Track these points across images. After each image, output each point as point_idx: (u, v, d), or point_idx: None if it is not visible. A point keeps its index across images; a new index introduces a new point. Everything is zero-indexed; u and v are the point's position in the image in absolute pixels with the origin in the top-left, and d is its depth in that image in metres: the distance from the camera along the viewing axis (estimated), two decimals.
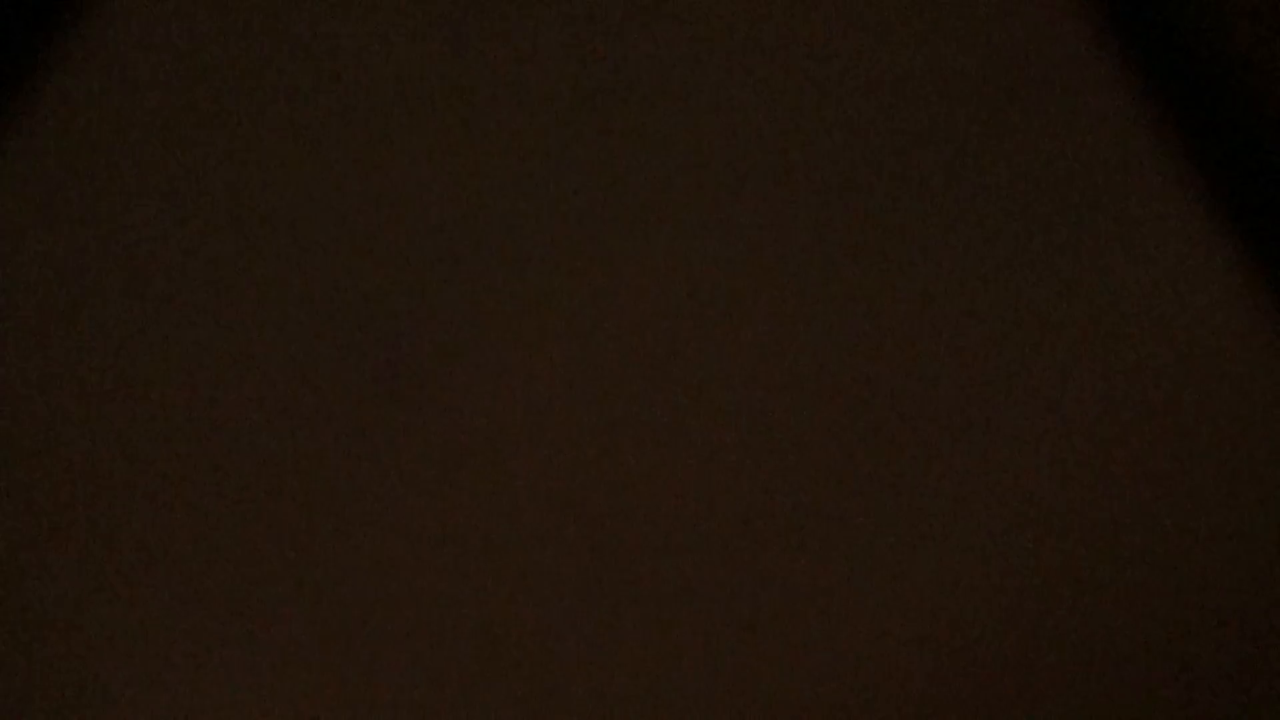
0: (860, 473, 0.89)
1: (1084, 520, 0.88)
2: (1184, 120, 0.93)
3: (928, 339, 0.90)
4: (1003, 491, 0.89)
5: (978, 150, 0.92)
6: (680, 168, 0.92)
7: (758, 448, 0.89)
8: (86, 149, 0.92)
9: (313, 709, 0.86)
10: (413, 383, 0.89)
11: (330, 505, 0.88)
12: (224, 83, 0.92)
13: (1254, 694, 0.87)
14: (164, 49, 0.93)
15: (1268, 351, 0.90)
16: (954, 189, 0.92)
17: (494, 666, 0.87)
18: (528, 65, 0.93)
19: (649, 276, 0.91)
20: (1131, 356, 0.90)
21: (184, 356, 0.90)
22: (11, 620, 0.86)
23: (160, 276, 0.90)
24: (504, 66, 0.93)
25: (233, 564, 0.87)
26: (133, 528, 0.88)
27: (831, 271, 0.91)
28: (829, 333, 0.90)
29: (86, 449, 0.88)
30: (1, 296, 0.90)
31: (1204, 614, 0.88)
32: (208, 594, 0.87)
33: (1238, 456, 0.89)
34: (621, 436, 0.89)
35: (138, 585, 0.87)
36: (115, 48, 0.92)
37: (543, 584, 0.88)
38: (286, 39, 0.93)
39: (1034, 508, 0.88)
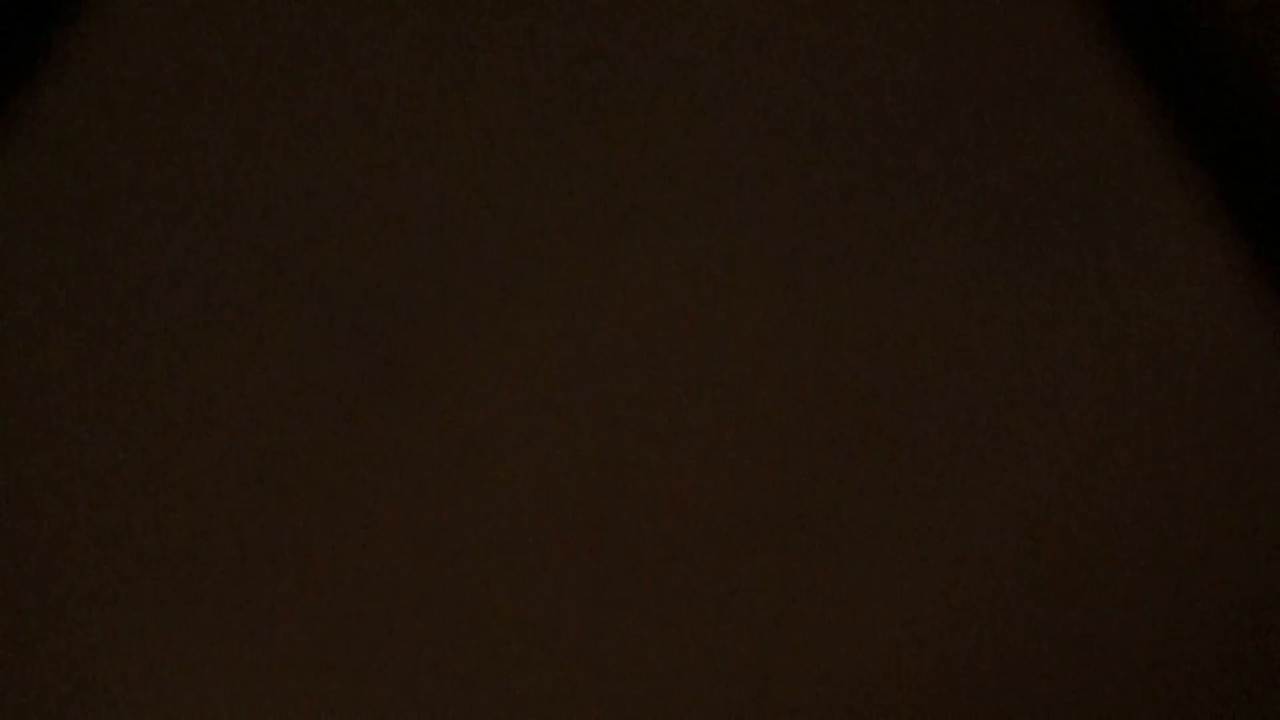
0: (862, 472, 0.89)
1: (1086, 520, 0.88)
2: (1186, 119, 0.93)
3: (928, 338, 0.90)
4: (1005, 491, 0.89)
5: (978, 150, 0.92)
6: (681, 166, 0.92)
7: (758, 446, 0.89)
8: (86, 148, 0.92)
9: (312, 707, 0.86)
10: (413, 381, 0.89)
11: (330, 503, 0.88)
12: (224, 82, 0.92)
13: (1255, 694, 0.87)
14: (163, 48, 0.93)
15: (1271, 352, 0.90)
16: (954, 188, 0.92)
17: (494, 664, 0.87)
18: (528, 64, 0.93)
19: (650, 275, 0.91)
20: (1133, 356, 0.90)
21: (183, 354, 0.89)
22: (12, 620, 0.86)
23: (160, 274, 0.90)
24: (504, 64, 0.93)
25: (232, 562, 0.87)
26: (131, 525, 0.87)
27: (833, 271, 0.91)
28: (831, 332, 0.90)
29: (85, 446, 0.88)
30: (1, 296, 0.90)
31: (1206, 615, 0.88)
32: (207, 591, 0.87)
33: (1241, 457, 0.89)
34: (622, 434, 0.89)
35: (137, 582, 0.87)
36: (115, 47, 0.92)
37: (544, 581, 0.88)
38: (286, 37, 0.93)
39: (1036, 508, 0.88)
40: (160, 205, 0.91)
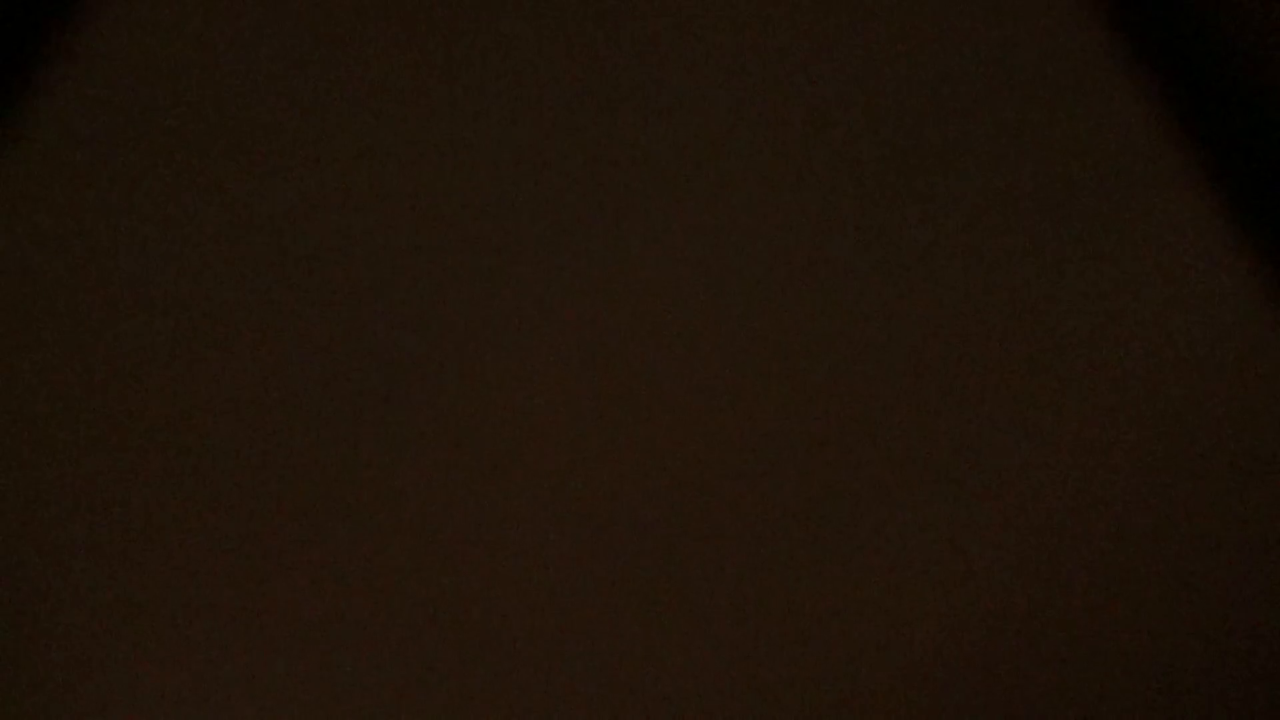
0: (866, 470, 0.89)
1: (1089, 520, 0.88)
2: (1196, 115, 0.93)
3: (932, 336, 0.90)
4: (1008, 490, 0.88)
5: (983, 147, 0.92)
6: (683, 167, 0.92)
7: (761, 445, 0.89)
8: (81, 154, 0.92)
9: (312, 707, 0.86)
10: (412, 381, 0.89)
11: (328, 505, 0.88)
12: (221, 87, 0.93)
13: (1256, 694, 0.87)
14: (162, 52, 0.93)
15: (1277, 349, 0.90)
16: (960, 185, 0.92)
17: (493, 668, 0.87)
18: (525, 67, 0.93)
19: (657, 273, 0.91)
20: (1139, 354, 0.90)
21: (182, 355, 0.90)
22: (12, 620, 0.86)
23: (160, 277, 0.90)
24: (503, 67, 0.93)
25: (231, 567, 0.87)
26: (128, 531, 0.88)
27: (837, 270, 0.91)
28: (836, 331, 0.90)
29: (85, 446, 0.88)
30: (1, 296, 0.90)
31: (1209, 615, 0.87)
32: (207, 597, 0.87)
33: (1249, 456, 0.89)
34: (623, 433, 0.89)
35: (136, 584, 0.87)
36: (114, 48, 0.93)
37: (545, 581, 0.87)
38: (285, 38, 0.93)
39: (1040, 507, 0.88)
40: (159, 207, 0.91)
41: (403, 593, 0.87)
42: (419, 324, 0.90)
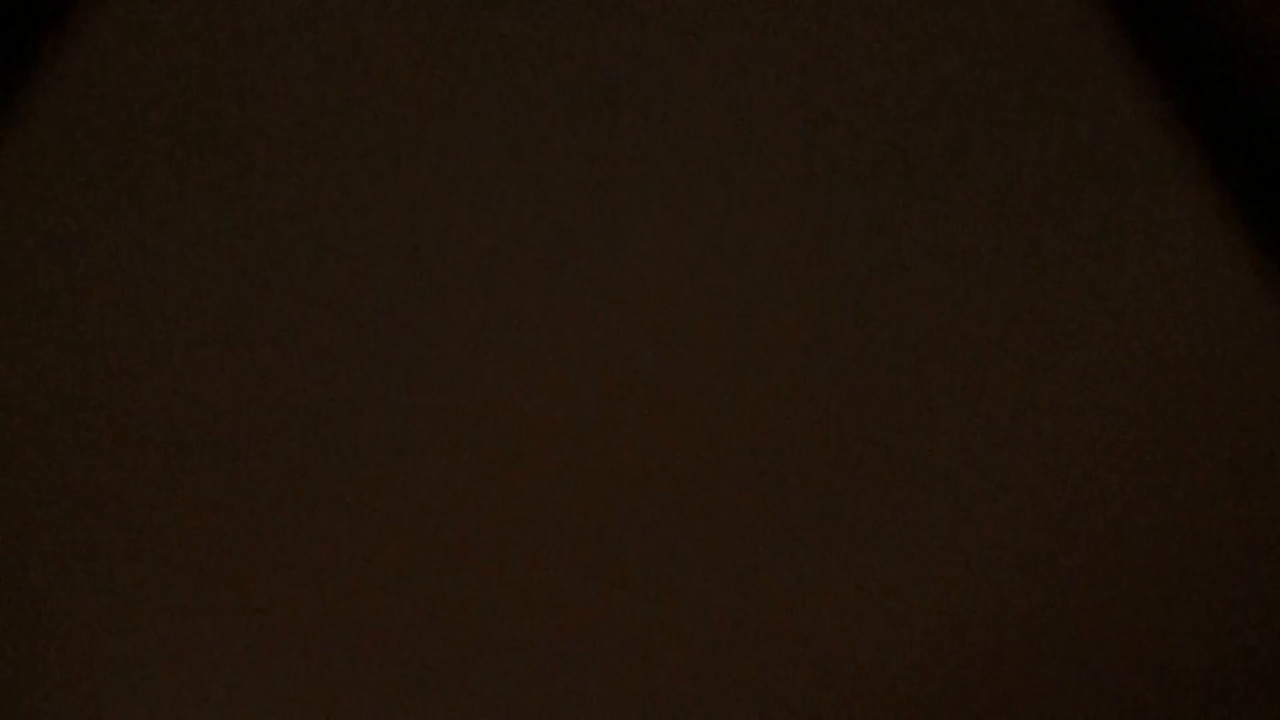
0: (867, 470, 0.89)
1: (1091, 519, 0.88)
2: (1192, 115, 0.92)
3: (932, 335, 0.90)
4: (1011, 489, 0.88)
5: (982, 146, 0.92)
6: (684, 166, 0.92)
7: (763, 444, 0.89)
8: (76, 152, 0.91)
9: (312, 706, 0.86)
10: (411, 383, 0.89)
11: (327, 505, 0.88)
12: (219, 85, 0.92)
13: (1257, 695, 0.87)
14: (159, 52, 0.93)
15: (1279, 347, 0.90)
16: (958, 184, 0.92)
17: (494, 666, 0.87)
18: (527, 65, 0.93)
19: (657, 269, 0.91)
20: (1140, 353, 0.90)
21: (181, 352, 0.90)
22: (12, 620, 0.87)
23: (160, 273, 0.90)
24: (503, 66, 0.93)
25: (231, 566, 0.87)
26: (127, 529, 0.88)
27: (839, 269, 0.91)
28: (834, 330, 0.90)
29: (85, 444, 0.88)
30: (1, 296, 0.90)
31: (1210, 615, 0.87)
32: (207, 594, 0.87)
33: (1251, 455, 0.89)
34: (620, 436, 0.89)
35: (137, 586, 0.87)
36: (110, 47, 0.92)
37: (544, 582, 0.88)
38: (284, 37, 0.93)
39: (1041, 507, 0.88)
40: (156, 203, 0.91)
41: (404, 591, 0.87)
42: (418, 323, 0.90)
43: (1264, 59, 0.89)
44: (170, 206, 0.91)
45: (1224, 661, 0.87)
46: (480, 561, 0.88)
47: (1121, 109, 0.92)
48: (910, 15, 0.93)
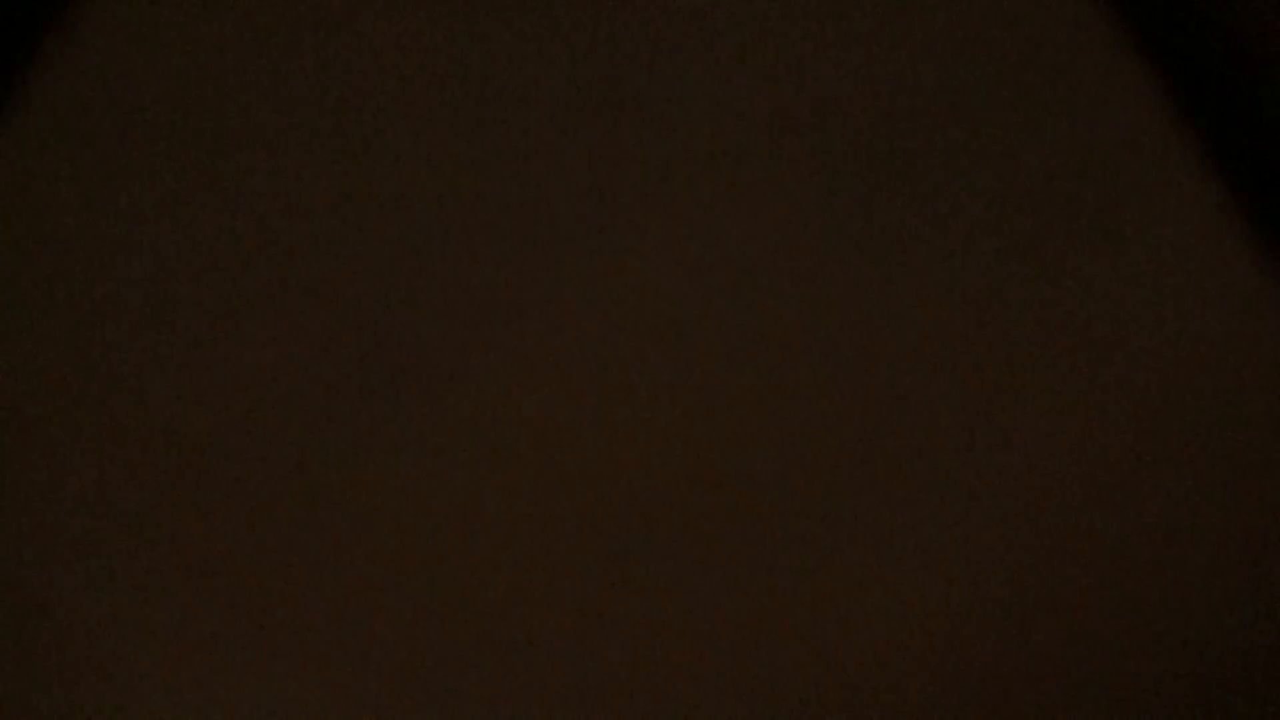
0: (869, 471, 0.88)
1: (1094, 519, 0.88)
2: (1194, 111, 0.92)
3: (933, 335, 0.90)
4: (1013, 489, 0.88)
5: (986, 146, 0.92)
6: (684, 165, 0.92)
7: (765, 443, 0.89)
8: (78, 147, 0.92)
9: (312, 705, 0.86)
10: (412, 377, 0.89)
11: (328, 501, 0.88)
12: (219, 82, 0.92)
13: (1258, 695, 0.87)
14: (159, 48, 0.93)
15: None
16: (960, 184, 0.92)
17: (496, 661, 0.87)
18: (528, 62, 0.93)
19: (656, 273, 0.91)
20: (1143, 351, 0.90)
21: (183, 350, 0.90)
22: (11, 619, 0.87)
23: (161, 269, 0.90)
24: (505, 62, 0.93)
25: (233, 559, 0.87)
26: (131, 524, 0.88)
27: (840, 269, 0.91)
28: (836, 329, 0.90)
29: (86, 442, 0.88)
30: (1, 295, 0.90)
31: (1211, 615, 0.87)
32: (208, 591, 0.87)
33: (1257, 456, 0.89)
34: (620, 436, 0.89)
35: (138, 585, 0.87)
36: (109, 45, 0.92)
37: (545, 581, 0.88)
38: (284, 35, 0.93)
39: (1042, 507, 0.88)
40: (160, 201, 0.91)
41: (404, 589, 0.87)
42: (418, 322, 0.90)
43: (1266, 58, 0.89)
44: (168, 205, 0.91)
45: (1224, 661, 0.87)
46: (480, 561, 0.88)
47: (1122, 104, 0.92)
48: (911, 14, 0.93)
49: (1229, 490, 0.89)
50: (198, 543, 0.88)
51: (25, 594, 0.87)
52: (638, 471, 0.89)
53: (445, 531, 0.88)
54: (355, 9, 0.93)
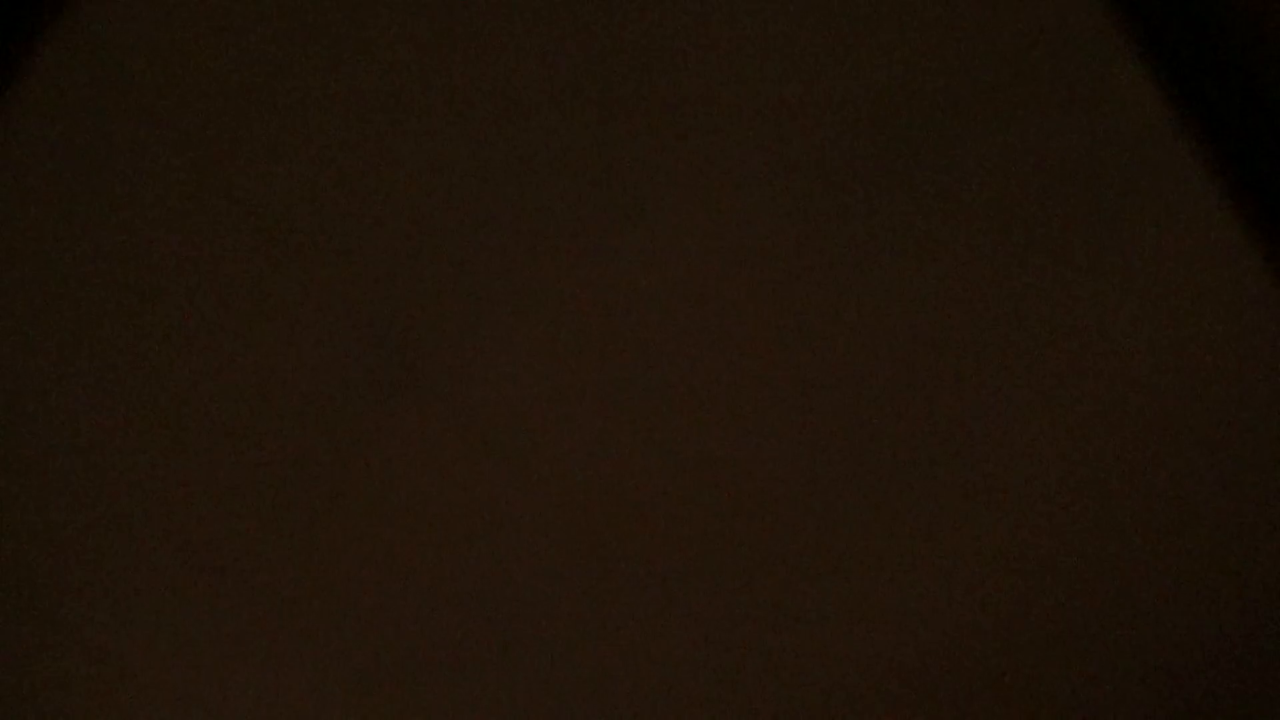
0: (870, 472, 0.89)
1: (1095, 519, 0.88)
2: (1203, 108, 0.92)
3: (936, 334, 0.90)
4: (1015, 488, 0.88)
5: (984, 142, 0.92)
6: (691, 160, 0.92)
7: (765, 444, 0.89)
8: (90, 136, 0.91)
9: (315, 702, 0.86)
10: (416, 375, 0.89)
11: (330, 499, 0.88)
12: (225, 73, 0.92)
13: (1258, 695, 0.87)
14: (164, 40, 0.93)
15: None
16: (961, 182, 0.91)
17: (498, 660, 0.87)
18: (530, 59, 0.93)
19: (658, 273, 0.91)
20: (1145, 349, 0.90)
21: (186, 347, 0.89)
22: (11, 620, 0.86)
23: (162, 267, 0.90)
24: (506, 57, 0.93)
25: (241, 555, 0.87)
26: (135, 522, 0.88)
27: (840, 269, 0.91)
28: (838, 328, 0.90)
29: (87, 441, 0.88)
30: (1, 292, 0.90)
31: (1213, 614, 0.87)
32: (218, 585, 0.87)
33: (1260, 453, 0.89)
34: (627, 429, 0.89)
35: (140, 581, 0.87)
36: (113, 39, 0.92)
37: (549, 576, 0.88)
38: (285, 33, 0.93)
39: (1043, 506, 0.88)
40: (163, 196, 0.91)
41: (404, 587, 0.87)
42: (419, 320, 0.90)
43: (1267, 58, 0.89)
44: (168, 204, 0.91)
45: (1225, 661, 0.87)
46: (483, 559, 0.88)
47: (1123, 102, 0.92)
48: (911, 13, 0.93)
49: (1229, 489, 0.89)
50: (198, 542, 0.88)
51: (25, 594, 0.87)
52: (640, 469, 0.89)
53: (449, 530, 0.88)
54: (357, 7, 0.93)
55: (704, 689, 0.87)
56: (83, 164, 0.91)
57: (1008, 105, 0.92)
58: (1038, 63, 0.92)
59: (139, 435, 0.88)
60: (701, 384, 0.90)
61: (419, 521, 0.88)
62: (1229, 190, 0.91)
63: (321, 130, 0.92)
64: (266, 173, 0.91)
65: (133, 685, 0.86)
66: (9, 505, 0.88)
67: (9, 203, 0.91)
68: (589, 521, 0.88)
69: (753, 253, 0.91)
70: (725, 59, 0.93)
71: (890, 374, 0.90)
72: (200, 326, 0.90)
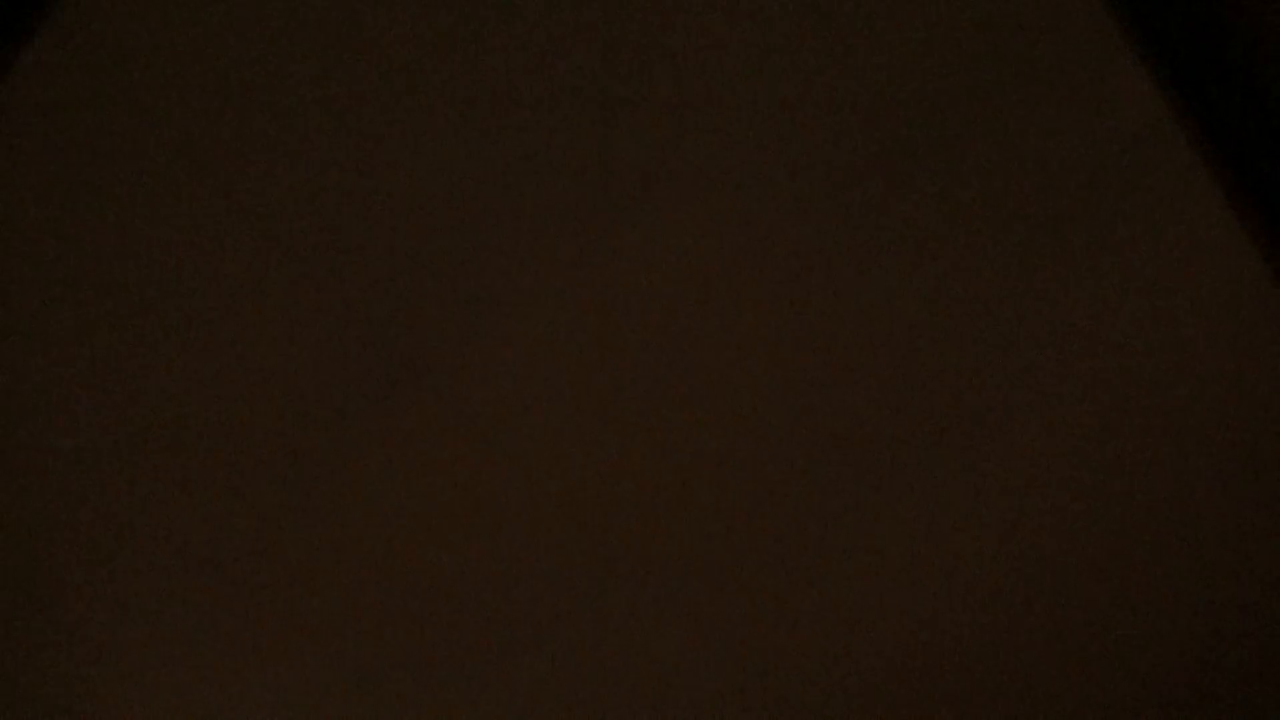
0: (865, 465, 0.89)
1: (1095, 516, 0.88)
2: (1198, 105, 0.92)
3: (934, 332, 0.90)
4: (1015, 487, 0.88)
5: (984, 141, 0.92)
6: (690, 159, 0.92)
7: (764, 441, 0.89)
8: (88, 134, 0.91)
9: (314, 703, 0.86)
10: (414, 373, 0.89)
11: (330, 499, 0.88)
12: (224, 80, 0.92)
13: (1257, 695, 0.87)
14: (163, 37, 0.92)
15: None
16: (961, 182, 0.92)
17: (498, 659, 0.87)
18: (530, 59, 0.93)
19: (659, 270, 0.91)
20: (1145, 346, 0.90)
21: (185, 346, 0.89)
22: (12, 619, 0.87)
23: (161, 266, 0.90)
24: (506, 57, 0.93)
25: (241, 555, 0.87)
26: (135, 520, 0.88)
27: (840, 265, 0.91)
28: (838, 325, 0.90)
29: (87, 438, 0.88)
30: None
31: (1215, 617, 0.88)
32: (218, 585, 0.87)
33: (1259, 457, 0.89)
34: (628, 427, 0.89)
35: (140, 580, 0.87)
36: (110, 36, 0.92)
37: (544, 578, 0.88)
38: (286, 31, 0.93)
39: (1047, 505, 0.88)
40: (161, 196, 0.91)
41: (404, 586, 0.87)
42: (419, 320, 0.90)
43: (1267, 57, 0.89)
44: (169, 201, 0.91)
45: (1224, 661, 0.87)
46: (483, 558, 0.88)
47: (1125, 100, 0.92)
48: (911, 12, 0.93)
49: (1229, 489, 0.89)
50: (198, 541, 0.88)
51: (25, 594, 0.87)
52: (640, 468, 0.89)
53: (449, 529, 0.88)
54: (356, 6, 0.93)
55: (704, 688, 0.87)
56: (81, 163, 0.91)
57: (1007, 105, 0.92)
58: (1038, 62, 0.92)
59: (138, 434, 0.89)
60: (701, 383, 0.90)
61: (419, 521, 0.88)
62: (1229, 190, 0.91)
63: (321, 130, 0.92)
64: (266, 173, 0.91)
65: (133, 685, 0.86)
66: (9, 505, 0.88)
67: (5, 202, 0.91)
68: (589, 521, 0.88)
69: (752, 251, 0.91)
70: (725, 59, 0.93)
71: (890, 372, 0.90)
72: (200, 326, 0.90)
